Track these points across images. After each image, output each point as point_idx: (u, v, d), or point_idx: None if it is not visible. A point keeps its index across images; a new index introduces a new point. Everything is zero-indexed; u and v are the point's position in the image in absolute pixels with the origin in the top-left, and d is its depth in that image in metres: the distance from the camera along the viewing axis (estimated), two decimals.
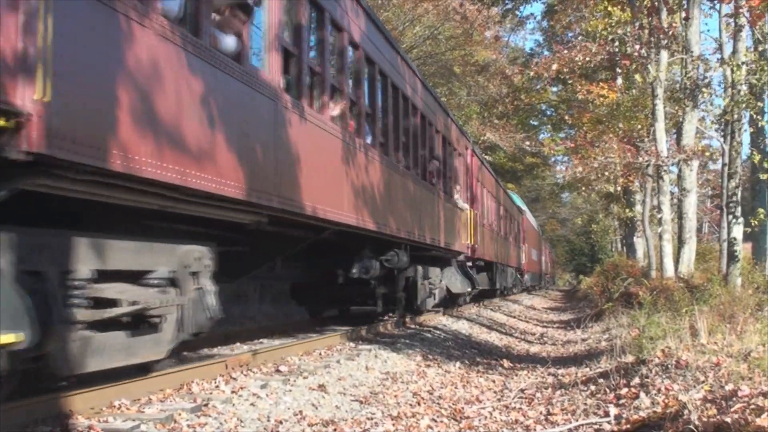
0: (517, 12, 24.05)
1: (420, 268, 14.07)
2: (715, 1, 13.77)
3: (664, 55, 16.49)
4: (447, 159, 16.72)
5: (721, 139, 16.73)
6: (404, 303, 13.67)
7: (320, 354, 9.04)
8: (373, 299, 13.13)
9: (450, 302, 18.57)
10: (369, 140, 10.64)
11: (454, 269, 17.41)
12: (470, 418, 6.30)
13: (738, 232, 14.66)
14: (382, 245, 11.84)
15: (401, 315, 13.74)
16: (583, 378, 7.87)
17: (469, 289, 18.94)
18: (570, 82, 23.42)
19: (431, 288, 15.14)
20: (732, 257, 14.50)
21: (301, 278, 12.70)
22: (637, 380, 6.49)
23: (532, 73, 20.75)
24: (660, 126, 16.47)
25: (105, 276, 5.23)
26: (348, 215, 9.31)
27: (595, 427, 5.47)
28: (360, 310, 14.34)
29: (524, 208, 40.86)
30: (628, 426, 5.17)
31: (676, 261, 16.45)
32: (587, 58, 17.49)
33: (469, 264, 19.59)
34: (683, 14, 15.35)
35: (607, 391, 6.60)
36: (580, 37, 25.02)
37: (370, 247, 11.61)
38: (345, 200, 9.23)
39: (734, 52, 15.17)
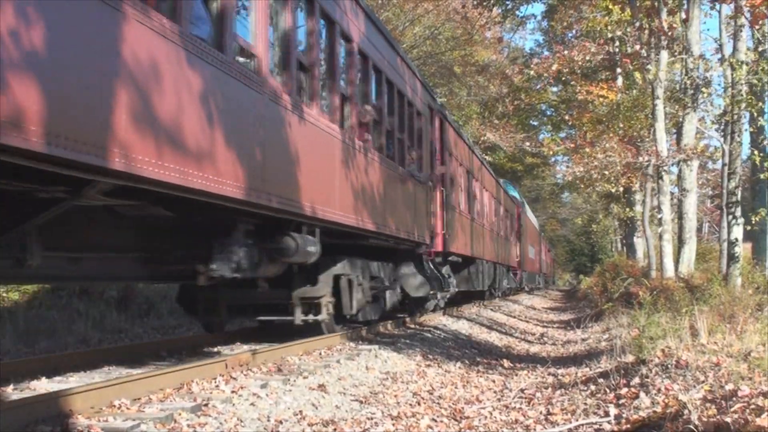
0: (517, 12, 24.05)
1: (354, 264, 10.75)
2: (716, 2, 13.77)
3: (664, 55, 16.50)
4: (400, 116, 12.71)
5: (721, 139, 16.73)
6: (332, 311, 10.31)
7: (320, 354, 9.04)
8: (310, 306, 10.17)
9: (416, 307, 15.30)
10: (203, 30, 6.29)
11: (413, 266, 13.82)
12: (470, 417, 6.30)
13: (738, 232, 14.66)
14: (277, 226, 8.18)
15: (329, 328, 10.40)
16: (583, 378, 7.88)
17: (434, 292, 14.85)
18: (572, 83, 23.44)
19: (375, 291, 11.79)
20: (732, 257, 14.50)
21: (126, 277, 8.91)
22: (637, 380, 6.49)
23: (532, 72, 20.77)
24: (660, 126, 16.47)
25: None
26: (174, 167, 5.57)
27: (595, 426, 5.47)
28: (278, 321, 10.73)
29: (520, 198, 36.75)
30: (628, 426, 5.17)
31: (676, 261, 16.46)
32: (587, 58, 17.51)
33: (439, 260, 15.92)
34: (683, 15, 15.35)
35: (607, 390, 6.60)
36: (580, 36, 25.10)
37: (249, 229, 7.91)
38: (162, 141, 5.45)
39: (734, 51, 15.19)
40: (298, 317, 9.97)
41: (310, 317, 10.07)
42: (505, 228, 28.76)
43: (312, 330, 10.43)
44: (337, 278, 10.28)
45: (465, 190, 19.38)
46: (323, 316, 10.06)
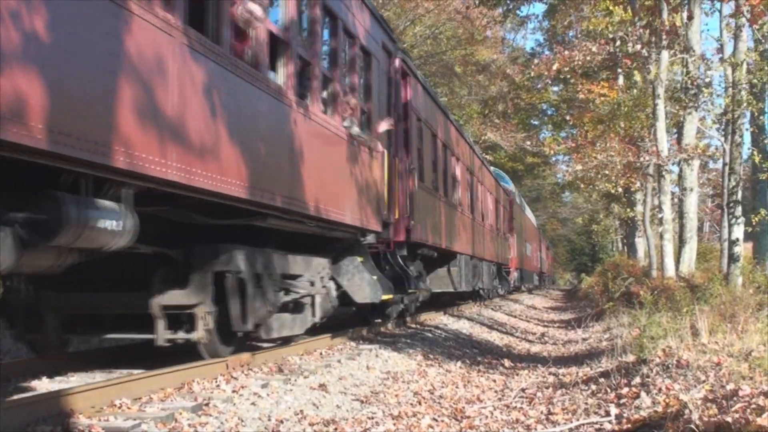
0: (517, 12, 24.09)
1: (250, 257, 7.36)
2: (716, 1, 13.78)
3: (665, 54, 16.51)
4: (332, 47, 9.22)
5: (722, 139, 16.74)
6: (212, 325, 7.05)
7: (321, 354, 9.04)
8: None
9: (372, 315, 12.37)
10: None
11: (360, 262, 10.31)
12: (471, 417, 6.30)
13: (739, 232, 14.67)
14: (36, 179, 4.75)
15: (209, 350, 7.23)
16: (584, 377, 7.88)
17: (391, 295, 11.11)
18: (572, 81, 23.47)
19: (296, 296, 8.50)
20: (733, 257, 14.50)
21: None
22: (638, 380, 6.49)
23: (533, 74, 20.80)
24: (661, 125, 16.48)
25: None
26: None
27: (596, 426, 5.47)
28: (131, 341, 7.94)
29: (513, 189, 33.27)
30: (629, 425, 5.17)
31: (677, 260, 16.48)
32: (588, 58, 17.51)
33: (404, 253, 12.41)
34: (686, 14, 15.33)
35: (608, 390, 6.60)
36: (580, 36, 25.12)
37: None
38: None
39: (735, 51, 15.19)
40: (161, 335, 6.96)
41: (181, 335, 7.05)
42: (495, 220, 25.53)
43: (190, 352, 7.25)
44: (221, 277, 7.16)
45: (441, 167, 15.78)
46: (199, 333, 6.97)
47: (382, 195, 10.99)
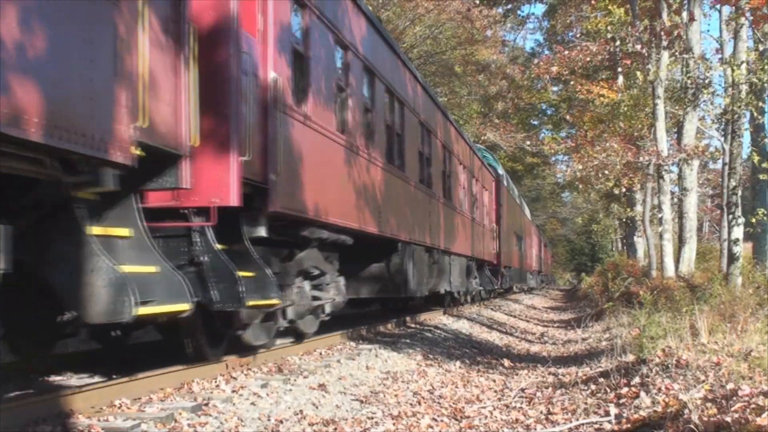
0: (518, 12, 24.11)
1: None
2: (718, 3, 13.75)
3: (665, 55, 16.51)
4: None
5: (722, 139, 16.75)
6: None
7: (321, 353, 9.04)
8: None
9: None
10: None
11: (92, 237, 4.97)
12: (471, 417, 6.30)
13: (738, 232, 14.67)
14: None
15: None
16: (584, 377, 7.88)
17: (184, 306, 5.53)
18: (572, 82, 23.50)
19: None
20: (732, 257, 14.49)
21: None
22: (637, 379, 6.49)
23: (533, 76, 20.85)
24: (660, 125, 16.48)
25: None
26: None
27: (596, 426, 5.47)
28: None
29: (501, 171, 28.03)
30: (629, 425, 5.17)
31: (677, 260, 16.49)
32: (588, 59, 17.53)
33: (258, 233, 7.19)
34: (688, 16, 15.32)
35: (608, 390, 6.60)
36: (580, 35, 25.15)
37: None
38: None
39: (735, 51, 15.19)
40: None
41: None
42: (473, 203, 20.87)
43: None
44: None
45: (359, 101, 10.39)
46: None
47: (133, 81, 5.03)
